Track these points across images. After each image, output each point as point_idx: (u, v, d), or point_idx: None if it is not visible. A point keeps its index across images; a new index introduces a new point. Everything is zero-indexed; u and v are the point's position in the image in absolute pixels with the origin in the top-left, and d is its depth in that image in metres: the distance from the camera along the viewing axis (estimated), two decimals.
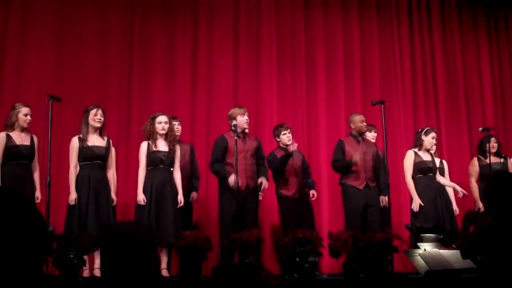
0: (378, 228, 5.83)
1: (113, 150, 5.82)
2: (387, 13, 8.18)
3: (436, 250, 5.02)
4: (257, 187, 6.10)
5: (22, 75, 6.94)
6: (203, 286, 5.09)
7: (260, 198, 6.24)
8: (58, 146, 5.94)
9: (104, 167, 5.67)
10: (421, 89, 8.03)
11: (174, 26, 7.53)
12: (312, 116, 7.61)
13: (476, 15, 8.49)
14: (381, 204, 6.33)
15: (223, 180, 5.96)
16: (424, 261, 4.83)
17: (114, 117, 6.84)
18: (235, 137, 5.85)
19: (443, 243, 5.28)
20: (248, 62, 7.62)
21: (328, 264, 6.50)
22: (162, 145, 5.79)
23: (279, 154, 6.29)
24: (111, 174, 5.75)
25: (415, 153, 6.50)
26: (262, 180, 6.02)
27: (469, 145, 7.81)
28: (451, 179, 6.71)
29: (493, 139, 6.82)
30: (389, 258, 5.21)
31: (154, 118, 5.84)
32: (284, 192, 6.31)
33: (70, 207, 5.50)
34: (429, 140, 6.49)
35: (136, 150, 6.07)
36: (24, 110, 5.59)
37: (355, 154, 6.25)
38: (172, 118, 6.07)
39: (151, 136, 5.80)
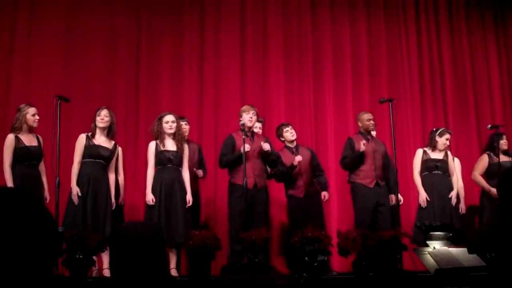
0: (389, 227, 5.81)
1: (120, 155, 5.85)
2: (394, 12, 8.15)
3: (445, 248, 5.00)
4: (266, 186, 6.12)
5: (30, 76, 6.99)
6: (212, 286, 5.08)
7: (266, 148, 6.04)
8: (66, 146, 5.96)
9: (106, 168, 5.68)
10: (429, 87, 7.99)
11: (181, 26, 7.54)
12: (320, 116, 7.60)
13: (484, 13, 8.44)
14: (391, 202, 6.32)
15: (238, 159, 5.87)
16: (434, 259, 4.80)
17: (122, 118, 6.85)
18: (243, 136, 5.85)
19: (452, 241, 5.25)
20: (255, 62, 7.62)
21: (338, 263, 6.49)
22: (170, 145, 5.79)
23: (284, 155, 6.28)
24: (121, 178, 5.82)
25: (424, 151, 6.50)
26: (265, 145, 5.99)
27: (478, 143, 7.76)
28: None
29: (504, 136, 6.78)
30: (398, 256, 5.20)
31: (161, 118, 5.84)
32: (291, 191, 6.32)
33: (71, 202, 5.51)
34: (443, 141, 6.48)
35: (144, 151, 6.09)
36: (31, 110, 5.61)
37: (362, 143, 6.17)
38: (179, 117, 6.08)
39: (159, 136, 5.80)
